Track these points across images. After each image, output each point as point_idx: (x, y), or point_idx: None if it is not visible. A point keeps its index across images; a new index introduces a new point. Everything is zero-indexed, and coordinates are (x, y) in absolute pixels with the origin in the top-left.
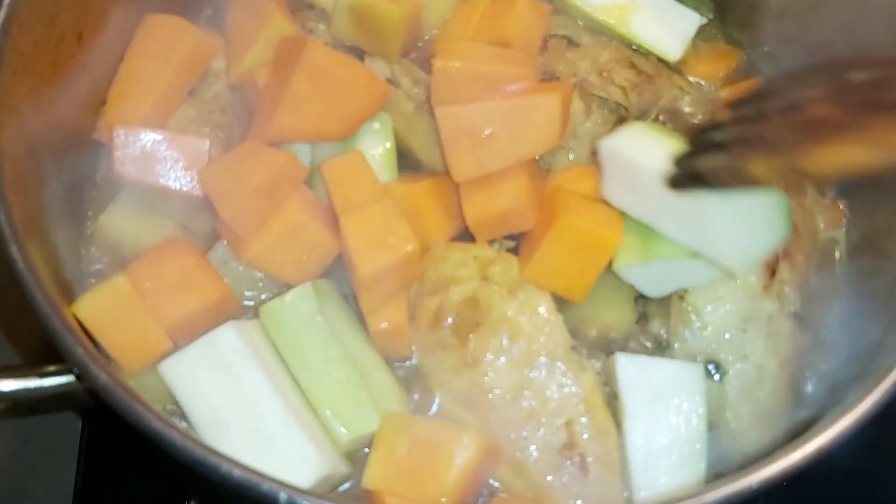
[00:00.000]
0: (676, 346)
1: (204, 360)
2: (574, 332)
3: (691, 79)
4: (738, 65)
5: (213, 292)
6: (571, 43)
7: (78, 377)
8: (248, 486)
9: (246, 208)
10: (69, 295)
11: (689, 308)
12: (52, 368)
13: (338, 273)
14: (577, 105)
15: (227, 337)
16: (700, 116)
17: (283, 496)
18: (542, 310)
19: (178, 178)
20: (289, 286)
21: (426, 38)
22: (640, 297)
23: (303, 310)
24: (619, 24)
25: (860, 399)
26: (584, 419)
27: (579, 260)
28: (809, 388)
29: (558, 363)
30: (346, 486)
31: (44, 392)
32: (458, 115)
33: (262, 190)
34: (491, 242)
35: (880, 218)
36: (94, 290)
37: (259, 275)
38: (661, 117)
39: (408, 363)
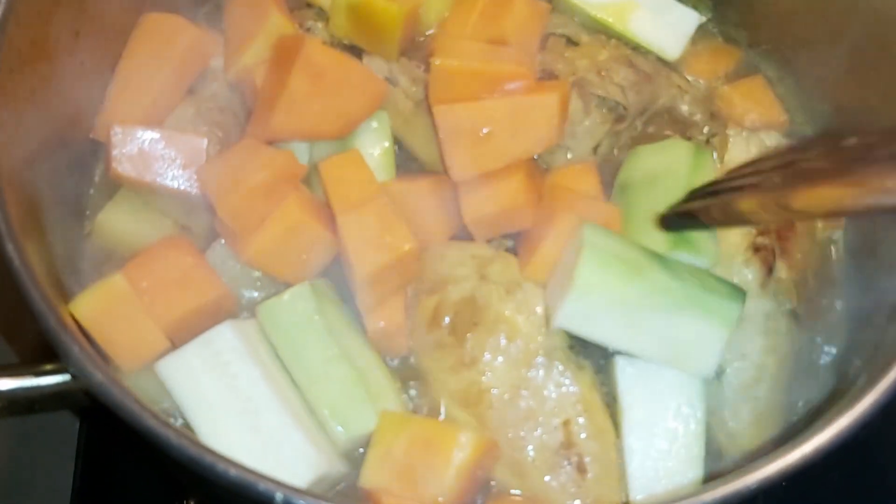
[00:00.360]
0: None
1: (201, 359)
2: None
3: (690, 78)
4: (736, 63)
5: (211, 291)
6: (570, 41)
7: (74, 376)
8: (244, 485)
9: (244, 207)
10: (66, 294)
11: None
12: (48, 367)
13: (336, 272)
14: (576, 104)
15: (225, 336)
16: (699, 115)
17: (279, 496)
18: (539, 309)
19: (175, 176)
20: (287, 285)
21: (424, 36)
22: None
23: (300, 309)
24: (617, 22)
25: (859, 398)
26: (581, 419)
27: None
28: (808, 386)
29: (556, 363)
30: (343, 485)
31: (40, 391)
32: (457, 114)
33: (260, 189)
34: (489, 241)
35: (878, 217)
36: (91, 289)
37: (257, 274)
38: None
39: (405, 362)
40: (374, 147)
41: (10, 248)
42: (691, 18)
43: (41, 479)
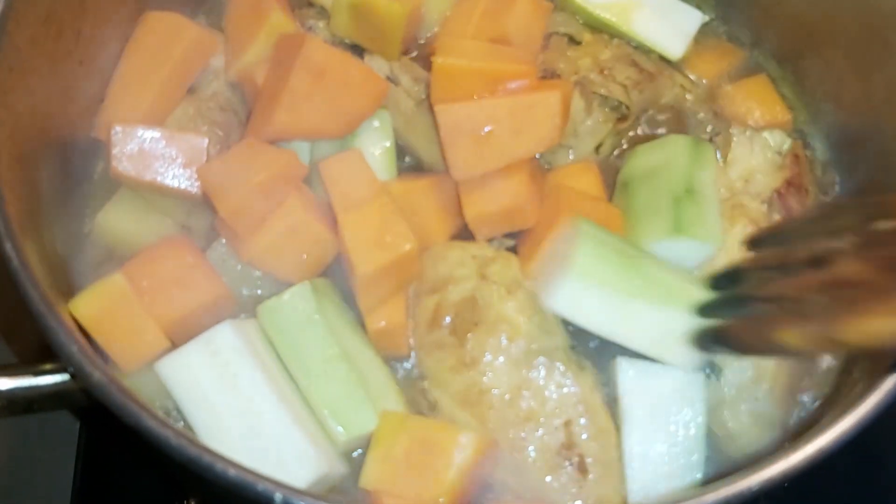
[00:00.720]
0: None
1: (201, 358)
2: (573, 333)
3: (693, 77)
4: (739, 62)
5: (211, 291)
6: (572, 41)
7: (73, 376)
8: (243, 485)
9: (245, 206)
10: (66, 293)
11: None
12: (47, 367)
13: (336, 272)
14: (578, 103)
15: (225, 336)
16: (702, 114)
17: (278, 496)
18: (541, 309)
19: (176, 176)
20: (287, 285)
21: (426, 35)
22: None
23: (301, 309)
24: (620, 21)
25: (861, 399)
26: (582, 420)
27: None
28: (808, 387)
29: (557, 363)
30: (343, 486)
31: (39, 391)
32: (458, 113)
33: (261, 188)
34: (490, 241)
35: None
36: (91, 288)
37: (257, 273)
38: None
39: (406, 363)
40: (375, 146)
41: (8, 247)
42: (694, 17)
43: (41, 479)
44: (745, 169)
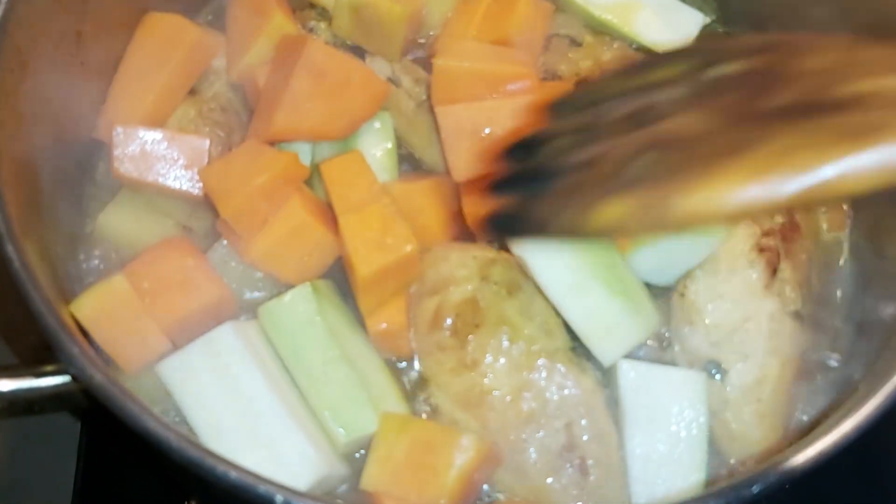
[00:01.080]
0: (677, 346)
1: (202, 360)
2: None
3: None
4: None
5: (213, 292)
6: (573, 42)
7: (74, 377)
8: (244, 488)
9: (247, 208)
10: (67, 294)
11: (690, 306)
12: (48, 368)
13: (337, 273)
14: None
15: (226, 337)
16: None
17: (279, 498)
18: (542, 310)
19: (177, 177)
20: (289, 286)
21: (427, 36)
22: None
23: (301, 310)
24: (622, 23)
25: (864, 401)
26: (584, 421)
27: None
28: (811, 388)
29: (558, 365)
30: (344, 487)
31: (40, 392)
32: (459, 114)
33: (263, 190)
34: (491, 242)
35: (885, 218)
36: (92, 289)
37: (259, 275)
38: None
39: (407, 364)
40: (376, 147)
41: (9, 248)
42: (696, 19)
43: (42, 480)
44: None
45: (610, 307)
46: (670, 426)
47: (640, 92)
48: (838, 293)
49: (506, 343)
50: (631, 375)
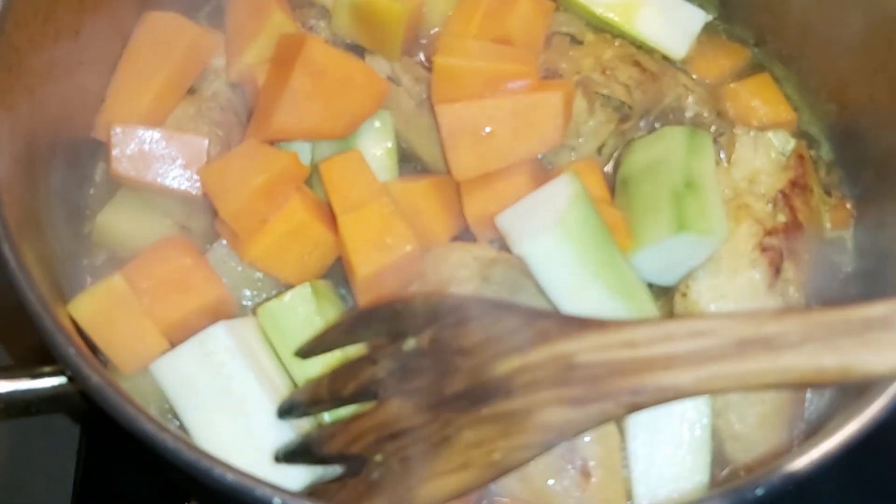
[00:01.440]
0: None
1: (194, 360)
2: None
3: (696, 76)
4: (743, 62)
5: (211, 293)
6: (574, 40)
7: (70, 379)
8: (241, 490)
9: (246, 208)
10: (65, 295)
11: (693, 306)
12: (45, 370)
13: (337, 273)
14: (580, 103)
15: (218, 337)
16: (705, 115)
17: (276, 501)
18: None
19: (176, 176)
20: (288, 286)
21: (428, 35)
22: None
23: (301, 311)
24: (623, 21)
25: (867, 403)
26: None
27: None
28: (815, 389)
29: None
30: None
31: (36, 394)
32: (459, 113)
33: (263, 189)
34: (492, 242)
35: (889, 217)
36: (90, 289)
37: (258, 275)
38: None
39: None
40: (376, 147)
41: (6, 249)
42: (698, 17)
43: (41, 482)
44: (749, 169)
45: (612, 307)
46: (673, 428)
47: (364, 363)
48: (842, 292)
49: None
50: None
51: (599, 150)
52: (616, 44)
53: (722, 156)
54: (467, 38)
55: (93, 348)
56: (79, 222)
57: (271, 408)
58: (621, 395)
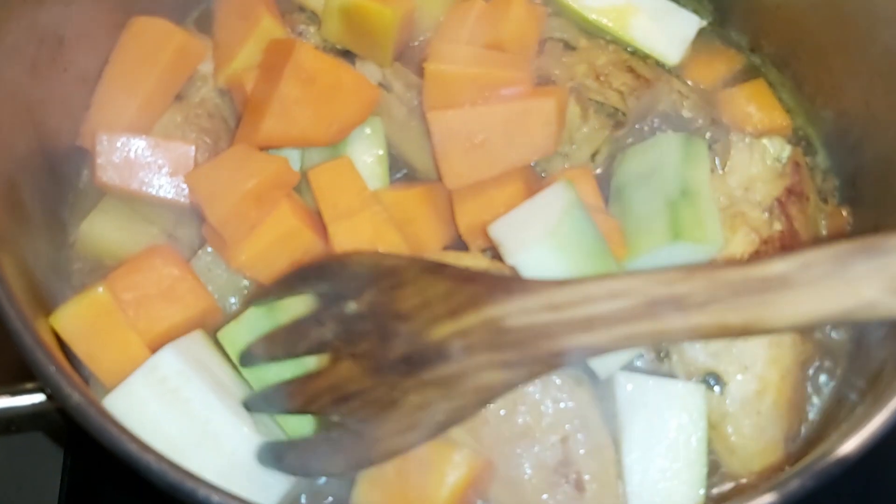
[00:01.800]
0: (675, 357)
1: (147, 389)
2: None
3: (690, 82)
4: (737, 68)
5: (197, 304)
6: (568, 46)
7: (49, 397)
8: None
9: (236, 212)
10: (47, 306)
11: None
12: (26, 386)
13: None
14: (574, 110)
15: (168, 361)
16: (700, 121)
17: None
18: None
19: (163, 185)
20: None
21: (419, 40)
22: None
23: (260, 328)
24: (617, 27)
25: (867, 418)
26: (580, 435)
27: None
28: (813, 400)
29: (553, 377)
30: (330, 500)
31: (17, 411)
32: (451, 120)
33: (253, 194)
34: (484, 251)
35: (885, 225)
36: (73, 300)
37: (244, 282)
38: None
39: None
40: (367, 154)
41: None
42: (692, 22)
43: (27, 496)
44: (744, 177)
45: None
46: (668, 441)
47: (310, 322)
48: None
49: None
50: (628, 388)
51: (593, 157)
52: (610, 49)
53: (717, 163)
54: (459, 43)
55: (73, 362)
56: (63, 231)
57: (236, 423)
58: (547, 357)
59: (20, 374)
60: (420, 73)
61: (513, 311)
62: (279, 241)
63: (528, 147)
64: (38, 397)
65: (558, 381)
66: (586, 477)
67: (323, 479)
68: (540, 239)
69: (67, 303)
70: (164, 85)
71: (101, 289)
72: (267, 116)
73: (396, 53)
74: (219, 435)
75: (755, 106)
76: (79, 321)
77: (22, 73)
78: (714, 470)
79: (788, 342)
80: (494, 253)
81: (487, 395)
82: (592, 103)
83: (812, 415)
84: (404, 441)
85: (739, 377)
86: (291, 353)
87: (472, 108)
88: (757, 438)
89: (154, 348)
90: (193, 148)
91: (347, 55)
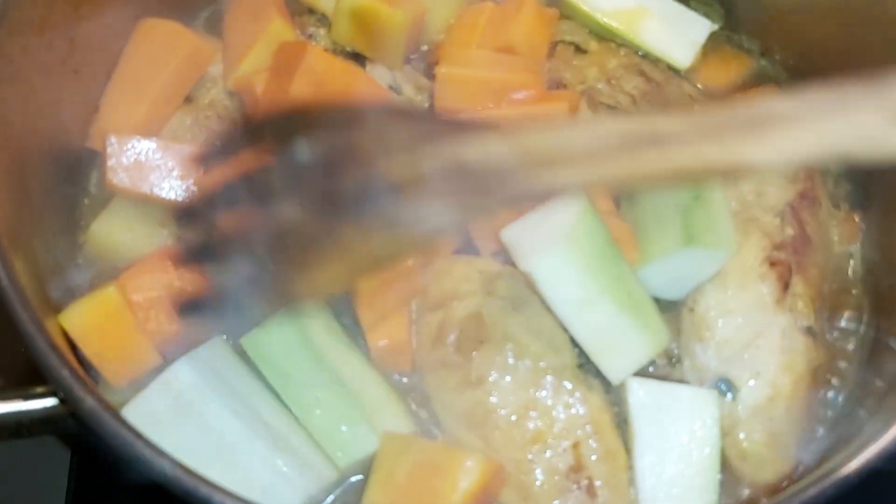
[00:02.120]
0: (687, 362)
1: (163, 402)
2: (582, 350)
3: (701, 86)
4: (748, 72)
5: None
6: (579, 49)
7: (62, 401)
8: None
9: None
10: (58, 308)
11: (700, 321)
12: (37, 390)
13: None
14: (585, 114)
15: (184, 374)
16: None
17: None
18: (548, 326)
19: (172, 187)
20: None
21: (430, 44)
22: None
23: (287, 336)
24: (628, 30)
25: (884, 429)
26: (592, 441)
27: None
28: (826, 406)
29: (565, 382)
30: None
31: (28, 416)
32: None
33: None
34: (495, 255)
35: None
36: (83, 300)
37: None
38: None
39: (410, 381)
40: None
41: None
42: (703, 26)
43: (33, 501)
44: (756, 182)
45: (619, 323)
46: (681, 447)
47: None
48: (851, 307)
49: (511, 360)
50: (640, 394)
51: None
52: (621, 53)
53: None
54: (470, 47)
55: (82, 361)
56: (73, 233)
57: (252, 436)
58: (510, 198)
59: (29, 376)
60: (431, 76)
61: (479, 153)
62: None
63: None
64: (51, 401)
65: (570, 387)
66: (598, 483)
67: (331, 497)
68: (553, 243)
69: (77, 302)
70: (174, 87)
71: (111, 289)
72: None
73: (406, 56)
74: (234, 449)
75: None
76: (88, 321)
77: (33, 75)
78: (727, 476)
79: (801, 348)
80: (506, 257)
81: (435, 235)
82: (604, 107)
83: (825, 419)
84: (334, 278)
85: (752, 383)
86: (232, 204)
87: (484, 113)
88: (769, 445)
89: (162, 350)
90: None
91: (357, 58)
